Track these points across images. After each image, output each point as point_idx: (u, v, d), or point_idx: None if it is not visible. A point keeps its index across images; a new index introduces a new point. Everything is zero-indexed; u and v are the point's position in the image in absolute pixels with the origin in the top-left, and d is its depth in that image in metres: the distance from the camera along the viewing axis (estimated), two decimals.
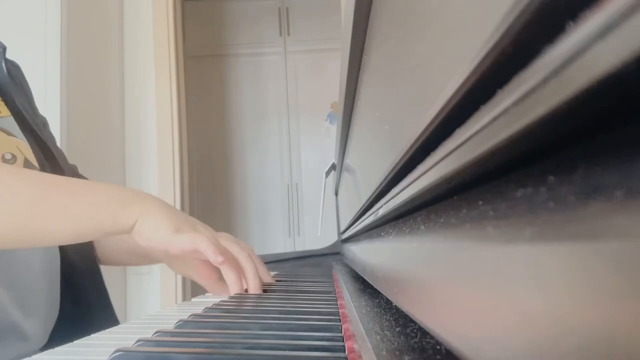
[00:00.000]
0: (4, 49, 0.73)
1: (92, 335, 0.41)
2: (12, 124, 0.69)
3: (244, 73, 2.93)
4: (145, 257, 0.79)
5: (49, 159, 0.73)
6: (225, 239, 0.64)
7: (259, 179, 2.87)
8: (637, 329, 0.06)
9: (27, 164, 0.66)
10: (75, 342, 0.38)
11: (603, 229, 0.07)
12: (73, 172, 0.85)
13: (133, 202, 0.57)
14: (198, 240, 0.56)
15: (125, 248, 0.80)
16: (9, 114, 0.69)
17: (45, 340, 0.63)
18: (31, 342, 0.60)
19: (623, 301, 0.07)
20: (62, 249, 0.69)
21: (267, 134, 2.90)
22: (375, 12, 0.39)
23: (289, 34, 2.95)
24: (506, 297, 0.11)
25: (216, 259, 0.57)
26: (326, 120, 2.88)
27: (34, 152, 0.69)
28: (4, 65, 0.71)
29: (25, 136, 0.69)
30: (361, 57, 0.50)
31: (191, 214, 2.42)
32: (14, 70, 0.77)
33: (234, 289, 0.60)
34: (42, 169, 0.69)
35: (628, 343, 0.07)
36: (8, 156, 0.64)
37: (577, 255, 0.08)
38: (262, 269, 0.69)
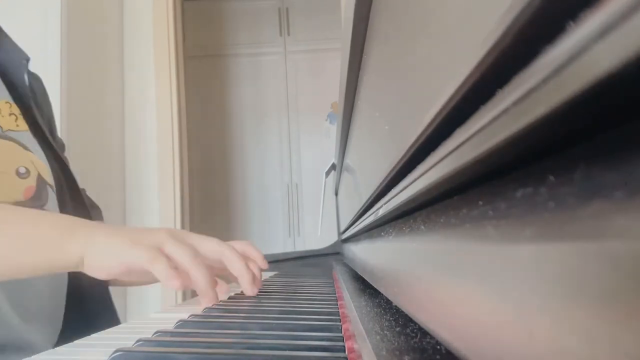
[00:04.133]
0: (28, 60, 0.71)
1: (92, 335, 0.41)
2: (29, 138, 0.67)
3: (244, 73, 2.93)
4: (143, 274, 0.76)
5: (67, 177, 0.72)
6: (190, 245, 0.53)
7: (259, 179, 2.88)
8: (638, 330, 0.06)
9: (39, 180, 0.64)
10: (76, 342, 0.38)
11: (603, 229, 0.07)
12: (83, 194, 0.84)
13: (76, 232, 0.50)
14: (156, 261, 0.48)
15: None
16: (27, 128, 0.68)
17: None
18: (39, 352, 0.59)
19: (623, 301, 0.07)
20: None
21: (267, 134, 2.90)
22: (375, 12, 0.39)
23: (289, 34, 2.95)
24: (506, 297, 0.11)
25: (171, 284, 0.47)
26: (326, 120, 2.88)
27: (51, 167, 0.67)
28: (26, 77, 0.70)
29: (44, 151, 0.68)
30: (361, 57, 0.50)
31: (191, 214, 2.42)
32: (35, 84, 0.75)
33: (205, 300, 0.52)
34: (59, 186, 0.68)
35: (628, 343, 0.07)
36: (22, 170, 0.62)
37: (577, 255, 0.08)
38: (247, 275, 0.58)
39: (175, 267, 0.50)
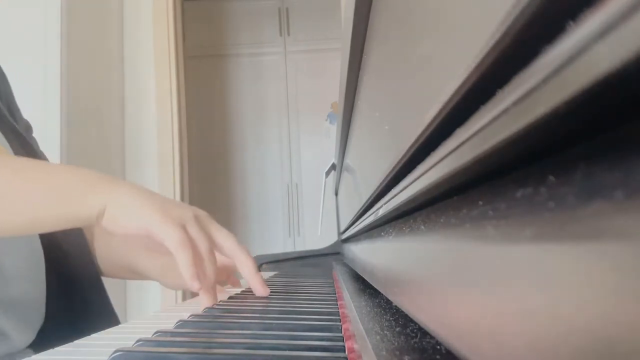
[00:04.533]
0: None
1: (92, 335, 0.41)
2: None
3: (244, 73, 2.93)
4: (137, 274, 0.74)
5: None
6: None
7: (259, 179, 2.88)
8: (637, 329, 0.06)
9: None
10: (75, 342, 0.38)
11: (603, 229, 0.07)
12: None
13: (99, 184, 0.48)
14: (182, 250, 0.47)
15: (117, 262, 0.76)
16: None
17: (31, 339, 0.60)
18: (15, 342, 0.58)
19: (623, 301, 0.07)
20: (56, 245, 0.66)
21: (267, 134, 2.90)
22: (375, 12, 0.39)
23: (289, 34, 2.95)
24: (506, 297, 0.11)
25: (192, 283, 0.47)
26: (326, 120, 2.88)
27: (15, 153, 0.65)
28: None
29: (5, 135, 0.66)
30: (361, 57, 0.50)
31: None
32: None
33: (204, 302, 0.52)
34: None
35: (628, 343, 0.07)
36: None
37: (577, 255, 0.08)
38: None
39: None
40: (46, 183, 0.48)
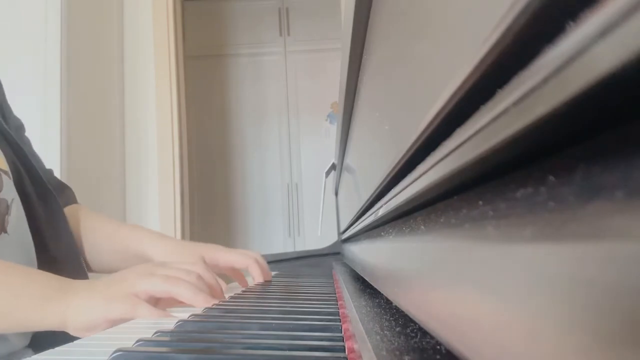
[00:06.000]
0: None
1: (91, 335, 0.41)
2: None
3: (244, 73, 2.93)
4: (138, 257, 0.75)
5: (24, 161, 0.71)
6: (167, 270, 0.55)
7: (259, 179, 2.88)
8: (637, 329, 0.06)
9: None
10: (75, 342, 0.38)
11: (603, 229, 0.07)
12: (50, 176, 0.83)
13: (54, 297, 0.50)
14: (137, 309, 0.49)
15: (115, 249, 0.77)
16: None
17: (27, 342, 0.61)
18: (13, 343, 0.59)
19: (623, 301, 0.07)
20: (45, 250, 0.67)
21: (267, 134, 2.90)
22: (375, 12, 0.39)
23: (289, 34, 2.95)
24: (506, 297, 0.11)
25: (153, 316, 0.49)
26: (326, 120, 2.88)
27: (4, 153, 0.66)
28: None
29: None
30: (361, 57, 0.50)
31: (191, 214, 2.42)
32: None
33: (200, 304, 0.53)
34: (16, 172, 0.67)
35: (627, 343, 0.07)
36: None
37: (577, 255, 0.08)
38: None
39: (157, 302, 0.53)
40: (7, 292, 0.50)
